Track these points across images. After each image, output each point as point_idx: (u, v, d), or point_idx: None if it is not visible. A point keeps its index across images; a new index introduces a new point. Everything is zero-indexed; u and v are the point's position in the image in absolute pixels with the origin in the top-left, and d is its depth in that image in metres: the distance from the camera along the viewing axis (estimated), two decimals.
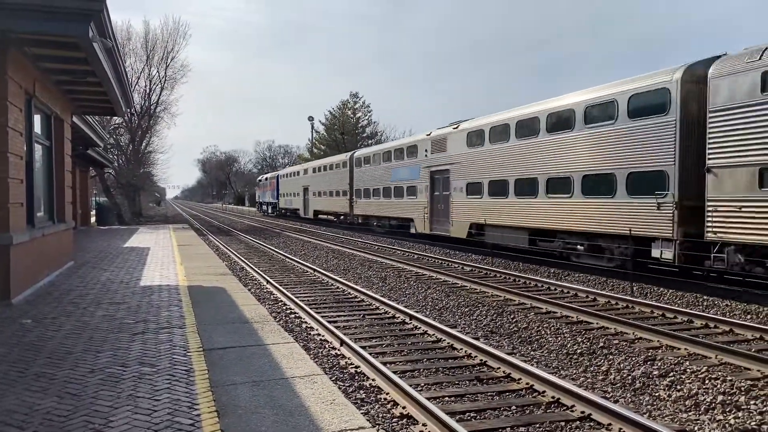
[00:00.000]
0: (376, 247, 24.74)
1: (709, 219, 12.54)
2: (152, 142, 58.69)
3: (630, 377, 7.26)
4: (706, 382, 6.99)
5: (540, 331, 9.72)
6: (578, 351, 8.48)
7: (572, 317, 10.64)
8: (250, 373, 5.88)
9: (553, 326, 9.97)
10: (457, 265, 18.44)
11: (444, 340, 8.89)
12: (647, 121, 14.06)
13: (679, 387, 6.87)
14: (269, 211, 64.53)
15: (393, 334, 9.46)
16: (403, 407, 6.09)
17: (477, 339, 9.00)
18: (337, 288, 14.07)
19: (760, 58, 11.68)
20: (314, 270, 16.94)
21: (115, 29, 10.15)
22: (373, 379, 6.99)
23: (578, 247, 16.94)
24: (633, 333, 9.32)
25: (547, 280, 14.68)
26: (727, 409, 6.17)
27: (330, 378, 6.42)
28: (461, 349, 8.37)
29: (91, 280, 12.11)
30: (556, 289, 13.75)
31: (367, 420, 5.26)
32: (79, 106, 15.28)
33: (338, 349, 8.40)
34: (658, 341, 8.83)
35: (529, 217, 18.31)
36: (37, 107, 11.58)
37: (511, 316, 10.81)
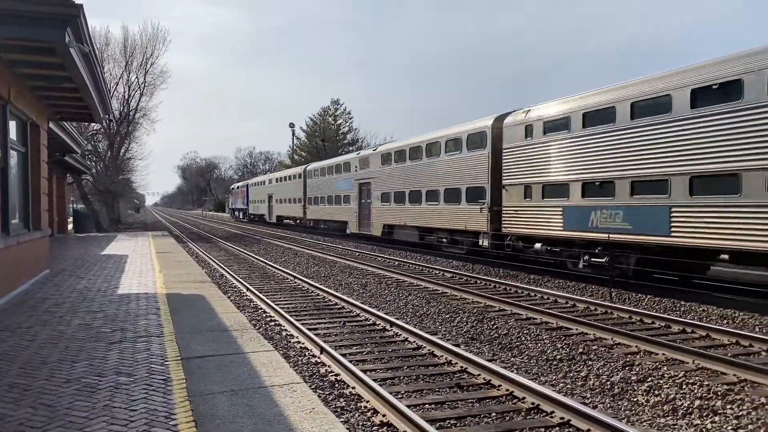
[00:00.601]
0: (357, 254, 24.71)
1: (503, 219, 18.62)
2: (131, 149, 58.26)
3: (609, 383, 7.31)
4: (684, 387, 7.06)
5: (520, 337, 9.76)
6: (558, 357, 8.52)
7: (552, 323, 10.70)
8: (229, 382, 5.82)
9: (533, 332, 10.01)
10: (438, 272, 18.48)
11: (424, 347, 8.89)
12: (475, 153, 20.26)
13: (657, 392, 6.94)
14: (240, 216, 68.81)
15: (373, 342, 9.43)
16: (383, 415, 6.07)
17: (458, 346, 9.01)
18: (318, 295, 14.02)
19: (526, 115, 17.78)
20: (294, 277, 16.87)
21: (93, 34, 10.06)
22: (353, 387, 6.96)
23: (443, 240, 23.04)
24: (612, 338, 9.39)
25: (527, 287, 14.76)
26: (704, 414, 6.24)
27: (310, 386, 6.39)
28: (442, 356, 8.37)
29: (67, 289, 11.93)
30: (536, 295, 13.83)
31: (347, 428, 5.24)
32: (55, 112, 15.08)
33: (318, 357, 8.36)
34: (636, 346, 8.91)
35: (417, 219, 24.52)
36: (12, 113, 11.41)
37: (492, 323, 10.84)
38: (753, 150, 11.32)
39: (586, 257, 15.60)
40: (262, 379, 5.94)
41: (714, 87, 12.16)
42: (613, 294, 13.61)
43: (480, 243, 20.01)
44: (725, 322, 10.91)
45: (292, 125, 74.72)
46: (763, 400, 6.54)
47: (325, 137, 75.84)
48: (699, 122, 12.40)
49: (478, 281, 16.27)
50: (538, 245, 17.31)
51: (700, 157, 12.36)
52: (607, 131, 14.60)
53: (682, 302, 12.50)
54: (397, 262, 21.33)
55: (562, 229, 16.03)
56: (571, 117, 15.77)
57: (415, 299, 13.44)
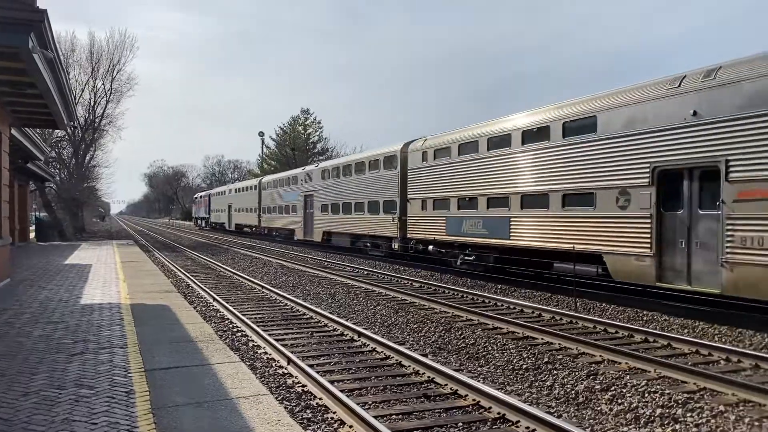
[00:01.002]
0: (326, 264, 24.64)
1: (408, 226, 22.77)
2: (96, 156, 57.27)
3: (573, 392, 7.40)
4: (646, 395, 7.19)
5: (487, 347, 9.83)
6: (524, 366, 8.60)
7: (518, 333, 10.81)
8: (194, 394, 5.75)
9: (499, 342, 10.10)
10: (406, 282, 18.52)
11: (392, 357, 8.89)
12: (390, 172, 24.54)
13: (620, 401, 7.05)
14: (203, 225, 71.68)
15: (341, 352, 9.41)
16: (350, 426, 6.05)
17: (425, 356, 9.03)
18: (286, 305, 13.93)
19: (423, 143, 22.13)
20: (262, 287, 16.74)
21: (58, 40, 9.91)
22: (320, 398, 6.93)
23: (368, 244, 27.31)
24: (576, 348, 9.53)
25: (494, 296, 14.89)
26: (666, 422, 6.36)
27: (276, 398, 6.34)
28: (409, 366, 8.38)
29: (28, 299, 11.65)
30: (502, 305, 13.96)
31: None
32: (18, 119, 14.77)
33: (285, 368, 8.30)
34: (600, 356, 9.05)
35: (349, 227, 28.53)
36: None
37: (459, 332, 10.90)
38: (555, 177, 15.40)
39: (461, 256, 19.78)
40: (228, 391, 5.89)
41: (534, 129, 16.35)
42: (578, 304, 13.81)
43: (393, 246, 24.41)
44: (686, 331, 11.14)
45: (261, 134, 74.47)
46: (721, 408, 6.70)
47: (295, 146, 75.57)
48: (525, 155, 16.56)
49: (446, 291, 16.35)
50: (431, 247, 21.62)
51: (527, 181, 16.47)
52: (473, 159, 18.93)
53: (645, 312, 12.74)
54: (366, 272, 21.32)
55: (445, 234, 20.34)
56: (451, 147, 20.20)
57: (383, 309, 13.45)
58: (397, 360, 8.73)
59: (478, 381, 7.59)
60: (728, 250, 11.01)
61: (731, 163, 11.04)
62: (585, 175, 14.43)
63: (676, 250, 12.17)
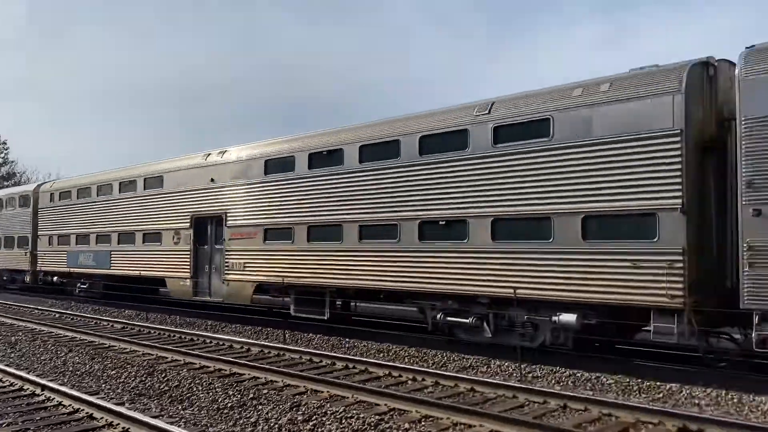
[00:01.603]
0: (6, 307, 21.37)
1: (39, 260, 25.26)
2: None
3: (277, 426, 7.46)
4: (344, 421, 7.57)
5: (192, 387, 9.43)
6: (229, 405, 8.44)
7: (225, 370, 10.59)
8: None
9: (205, 381, 9.77)
10: (106, 323, 17.01)
11: (82, 409, 8.00)
12: (25, 210, 26.43)
13: (321, 430, 7.31)
14: None
15: (18, 410, 8.15)
16: None
17: (121, 404, 8.31)
18: None
19: (51, 186, 25.52)
20: None
21: None
22: None
23: (5, 278, 28.67)
24: (282, 380, 9.66)
25: (204, 333, 14.48)
26: None
27: None
28: (102, 418, 7.63)
29: None
30: (211, 342, 13.61)
31: None
32: None
33: None
34: (304, 387, 9.30)
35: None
36: None
37: (163, 375, 10.28)
38: (136, 220, 19.95)
39: (78, 285, 23.26)
40: None
41: (127, 182, 20.62)
42: (286, 335, 14.11)
43: (25, 279, 26.53)
44: (381, 355, 12.10)
45: None
46: (407, 425, 7.38)
47: None
48: (121, 202, 20.73)
49: (152, 331, 15.40)
50: (55, 278, 24.67)
51: (121, 222, 20.61)
52: (87, 202, 22.60)
53: (347, 339, 13.51)
54: (57, 314, 19.03)
55: (66, 266, 23.29)
56: (72, 191, 23.73)
57: (76, 356, 12.09)
58: (88, 413, 7.88)
59: (179, 426, 7.22)
60: (226, 271, 16.42)
61: (228, 214, 16.59)
62: (154, 218, 19.22)
63: (204, 273, 17.36)
